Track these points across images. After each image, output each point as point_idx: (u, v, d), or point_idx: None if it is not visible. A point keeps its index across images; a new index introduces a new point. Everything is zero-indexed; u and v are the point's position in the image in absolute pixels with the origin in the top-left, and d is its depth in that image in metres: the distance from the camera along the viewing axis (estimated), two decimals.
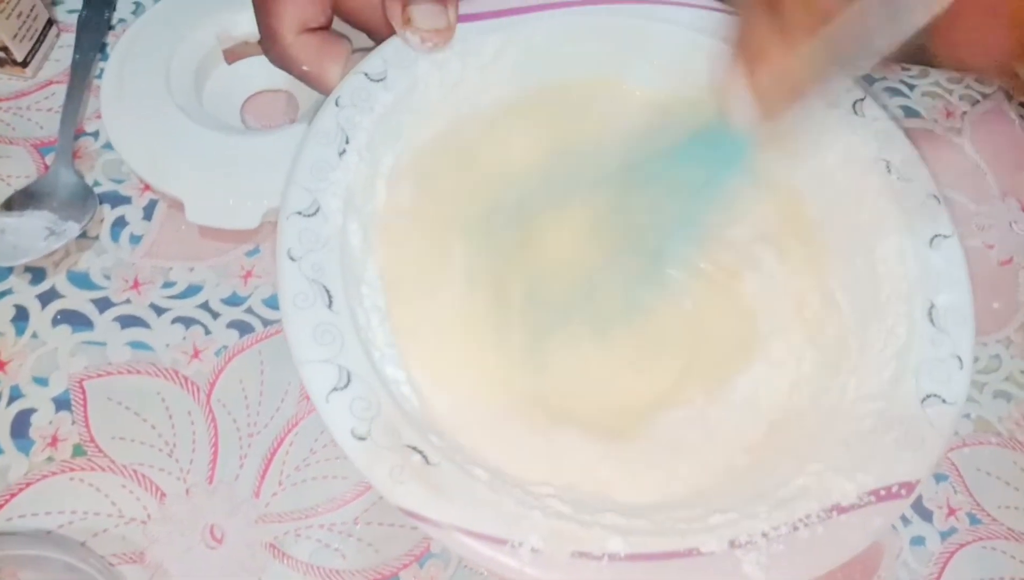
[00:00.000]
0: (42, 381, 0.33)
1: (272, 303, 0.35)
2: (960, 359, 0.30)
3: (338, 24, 0.33)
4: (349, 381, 0.26)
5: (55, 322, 0.34)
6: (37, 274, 0.35)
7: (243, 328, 0.34)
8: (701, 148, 0.30)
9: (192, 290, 0.35)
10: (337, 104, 0.30)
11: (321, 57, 0.31)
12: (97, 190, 0.37)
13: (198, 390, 0.33)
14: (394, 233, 0.30)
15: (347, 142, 0.30)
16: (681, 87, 0.34)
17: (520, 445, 0.28)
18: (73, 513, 0.30)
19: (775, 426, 0.30)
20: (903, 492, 0.28)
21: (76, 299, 0.34)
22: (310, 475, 0.32)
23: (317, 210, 0.29)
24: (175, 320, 0.34)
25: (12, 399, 0.32)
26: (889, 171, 0.33)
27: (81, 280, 0.35)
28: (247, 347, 0.34)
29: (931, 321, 0.31)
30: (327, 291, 0.27)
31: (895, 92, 0.46)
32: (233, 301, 0.35)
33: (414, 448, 0.25)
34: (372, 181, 0.31)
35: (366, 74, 0.31)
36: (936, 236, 0.32)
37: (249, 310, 0.35)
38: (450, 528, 0.24)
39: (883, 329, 0.31)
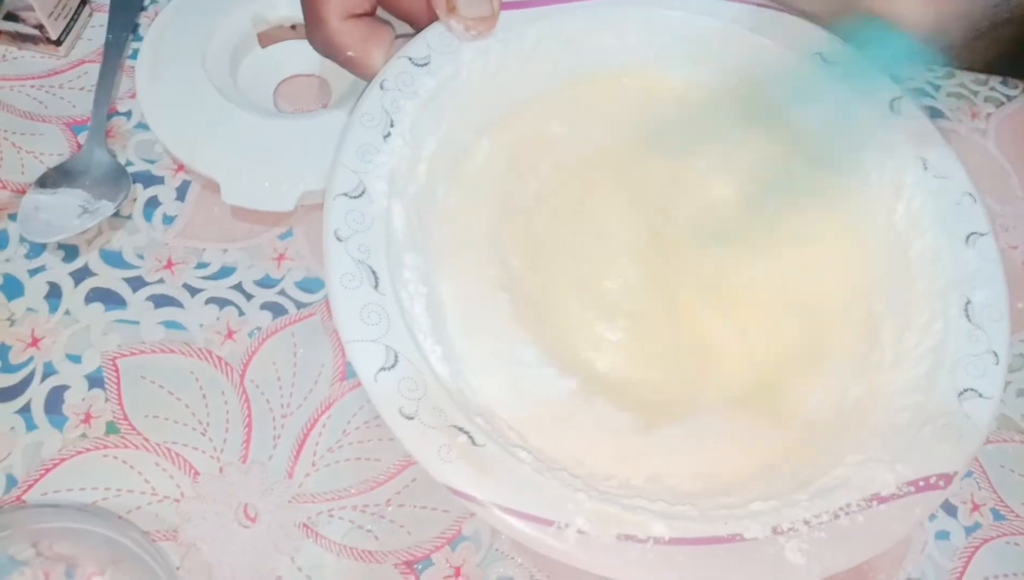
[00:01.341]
0: (75, 358, 0.33)
1: (305, 286, 0.35)
2: (996, 354, 0.31)
3: (380, 12, 0.33)
4: (396, 361, 0.26)
5: (88, 300, 0.34)
6: (70, 252, 0.35)
7: (276, 310, 0.34)
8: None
9: (225, 271, 0.35)
10: (382, 87, 0.31)
11: (366, 43, 0.31)
12: (130, 170, 0.37)
13: (232, 370, 0.33)
14: (439, 216, 0.30)
15: (392, 125, 0.30)
16: (722, 80, 0.34)
17: (565, 430, 0.28)
18: (107, 490, 0.30)
19: (816, 418, 0.30)
20: (941, 483, 0.28)
21: (109, 277, 0.34)
22: (343, 456, 0.32)
23: (363, 192, 0.29)
24: (209, 301, 0.34)
25: (46, 375, 0.32)
26: (925, 168, 0.33)
27: (114, 259, 0.35)
28: (280, 329, 0.34)
29: (967, 317, 0.31)
30: (373, 272, 0.27)
31: (921, 93, 0.46)
32: (266, 283, 0.35)
33: (460, 428, 0.26)
34: (414, 165, 0.31)
35: (410, 59, 0.31)
36: (972, 233, 0.33)
37: (282, 292, 0.35)
38: (497, 508, 0.24)
39: (919, 325, 0.31)
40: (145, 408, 0.32)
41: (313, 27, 0.32)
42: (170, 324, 0.34)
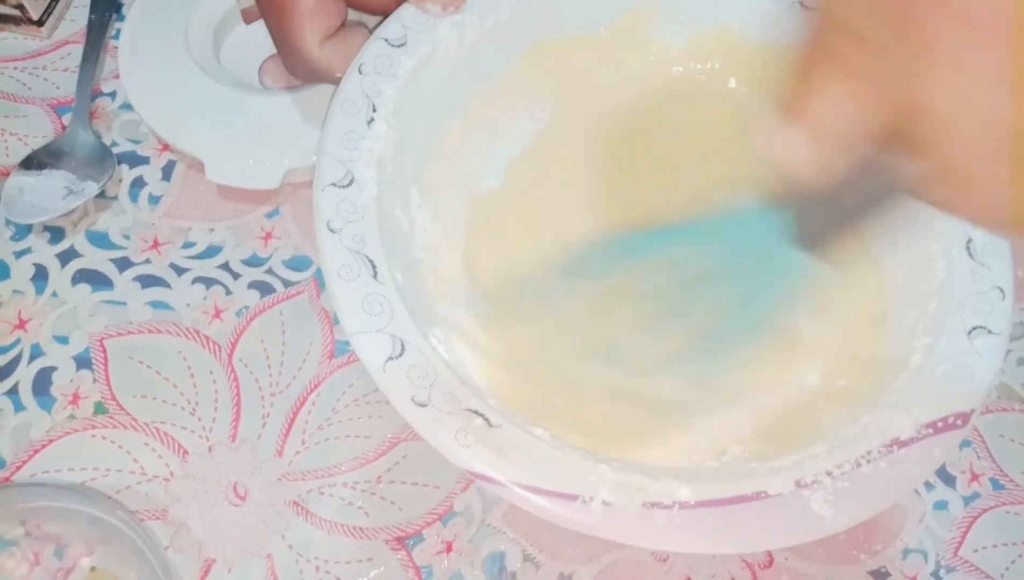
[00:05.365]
0: (63, 339, 0.33)
1: (293, 265, 0.35)
2: (1002, 290, 0.31)
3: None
4: (403, 350, 0.26)
5: (74, 281, 0.34)
6: (56, 233, 0.35)
7: (264, 289, 0.34)
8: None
9: (212, 251, 0.35)
10: (360, 72, 0.30)
11: (349, 56, 0.30)
12: (115, 150, 0.36)
13: (220, 350, 0.33)
14: (436, 202, 0.30)
15: (374, 110, 0.30)
16: (696, 35, 0.34)
17: (577, 416, 0.28)
18: (96, 470, 0.30)
19: (829, 370, 0.30)
20: (959, 423, 0.28)
21: (95, 258, 0.34)
22: (332, 434, 0.32)
23: (352, 181, 0.28)
24: (196, 280, 0.34)
25: (33, 357, 0.32)
26: None
27: (100, 240, 0.35)
28: (268, 308, 0.34)
29: (970, 255, 0.31)
30: (371, 262, 0.27)
31: None
32: (253, 262, 0.35)
33: (475, 412, 0.25)
34: (401, 151, 0.30)
35: (386, 40, 0.31)
36: None
37: (270, 271, 0.35)
38: (519, 487, 0.24)
39: (920, 265, 0.31)
40: (133, 388, 0.32)
41: (293, 60, 0.31)
42: (157, 304, 0.33)
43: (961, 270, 0.31)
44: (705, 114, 0.35)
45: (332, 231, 0.27)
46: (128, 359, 0.32)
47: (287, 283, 0.34)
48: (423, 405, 0.25)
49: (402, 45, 0.31)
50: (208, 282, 0.34)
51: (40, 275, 0.34)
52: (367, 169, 0.29)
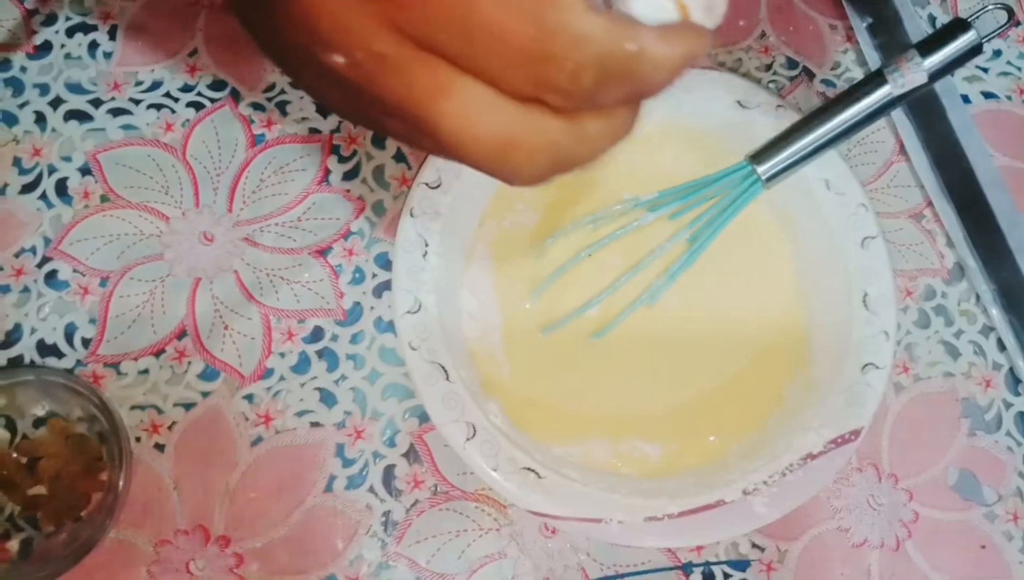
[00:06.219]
0: (68, 159, 0.47)
1: (214, 87, 0.49)
2: (887, 333, 0.39)
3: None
4: (475, 432, 0.38)
5: (66, 119, 0.48)
6: (43, 88, 0.48)
7: (198, 106, 0.49)
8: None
9: (156, 85, 0.49)
10: (412, 215, 0.41)
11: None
12: (73, 23, 0.49)
13: (175, 151, 0.48)
14: (475, 315, 0.43)
15: (427, 245, 0.41)
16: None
17: (596, 451, 0.42)
18: (110, 236, 0.46)
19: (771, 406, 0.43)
20: (852, 437, 0.38)
21: (77, 101, 0.48)
22: (264, 194, 0.47)
23: (420, 307, 0.39)
24: (149, 106, 0.48)
25: (51, 172, 0.47)
26: (828, 188, 0.43)
27: (77, 88, 0.48)
28: (203, 118, 0.48)
29: (865, 306, 0.40)
30: (443, 368, 0.39)
31: (974, 79, 0.55)
32: (186, 88, 0.49)
33: (529, 469, 0.38)
34: (450, 277, 0.41)
35: (427, 184, 0.41)
36: (866, 238, 0.42)
37: (199, 94, 0.49)
38: (564, 518, 0.37)
39: (831, 316, 0.40)
40: (124, 183, 0.47)
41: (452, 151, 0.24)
42: (126, 127, 0.48)
43: (859, 318, 0.39)
44: None
45: (413, 349, 0.38)
46: (115, 165, 0.47)
47: (212, 100, 0.49)
48: (495, 470, 0.37)
49: (438, 187, 0.41)
50: (158, 107, 0.48)
51: (40, 119, 0.48)
52: (429, 295, 0.39)
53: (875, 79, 0.40)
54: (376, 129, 0.25)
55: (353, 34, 0.22)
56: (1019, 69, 0.55)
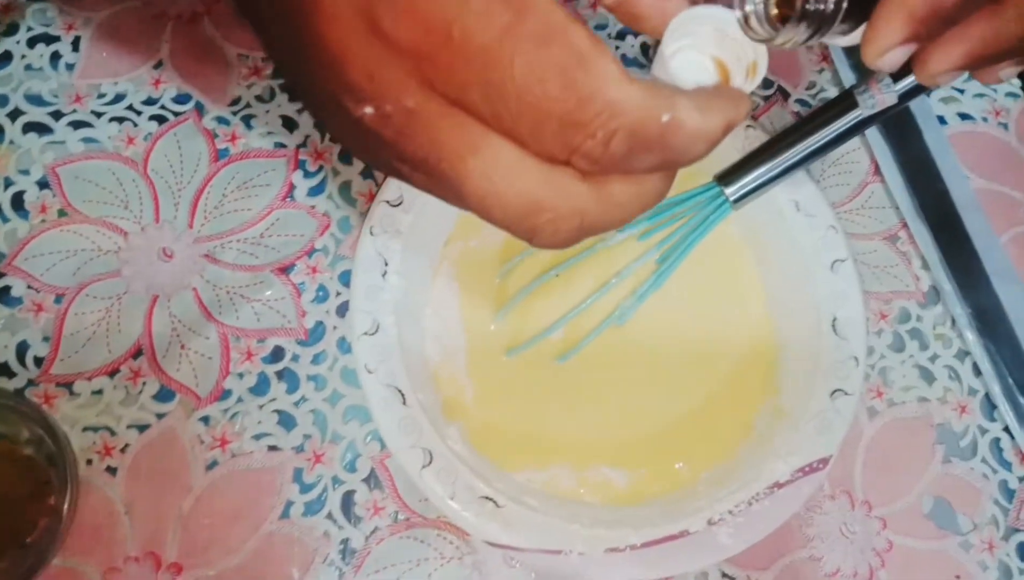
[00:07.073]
0: (25, 172, 0.46)
1: (178, 100, 0.48)
2: (856, 359, 0.38)
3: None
4: (432, 459, 0.36)
5: (25, 131, 0.47)
6: (2, 99, 0.47)
7: (160, 119, 0.48)
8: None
9: (119, 98, 0.48)
10: (371, 233, 0.40)
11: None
12: (35, 33, 0.49)
13: (136, 164, 0.47)
14: (440, 336, 0.41)
15: (386, 265, 0.39)
16: None
17: (559, 478, 0.40)
18: (66, 252, 0.45)
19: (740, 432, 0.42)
20: (820, 466, 0.37)
21: (37, 114, 0.47)
22: (226, 210, 0.47)
23: (378, 328, 0.38)
24: (111, 119, 0.47)
25: (7, 186, 0.46)
26: (798, 209, 0.42)
27: (37, 100, 0.47)
28: (166, 132, 0.47)
29: (835, 331, 0.39)
30: (400, 392, 0.37)
31: (950, 100, 0.54)
32: (150, 101, 0.48)
33: (487, 498, 0.36)
34: (412, 297, 0.39)
35: (388, 202, 0.40)
36: (836, 261, 0.40)
37: (162, 107, 0.48)
38: (523, 549, 0.36)
39: (800, 340, 0.40)
40: (82, 197, 0.46)
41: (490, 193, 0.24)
42: (87, 140, 0.47)
43: (828, 343, 0.38)
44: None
45: (370, 372, 0.37)
46: (75, 178, 0.46)
47: (176, 114, 0.48)
48: (451, 497, 0.36)
49: (399, 205, 0.40)
50: (120, 120, 0.47)
51: None
52: (388, 317, 0.37)
53: (845, 100, 0.39)
54: (401, 179, 0.25)
55: (383, 86, 0.22)
56: (995, 91, 0.55)
